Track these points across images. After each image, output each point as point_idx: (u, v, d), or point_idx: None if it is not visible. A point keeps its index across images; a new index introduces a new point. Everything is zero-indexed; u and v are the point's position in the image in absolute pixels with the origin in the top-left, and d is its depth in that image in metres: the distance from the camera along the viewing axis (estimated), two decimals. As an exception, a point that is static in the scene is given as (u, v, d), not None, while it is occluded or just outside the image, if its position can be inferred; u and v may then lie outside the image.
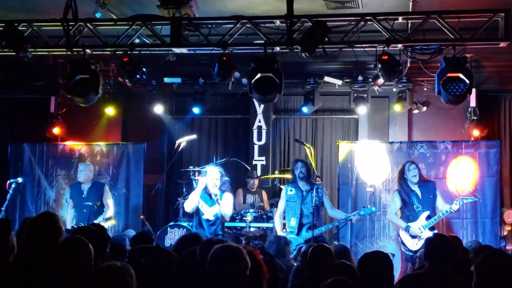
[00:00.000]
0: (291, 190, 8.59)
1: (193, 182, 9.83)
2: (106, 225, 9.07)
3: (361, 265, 4.56)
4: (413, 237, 8.37)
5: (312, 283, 4.78)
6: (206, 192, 8.73)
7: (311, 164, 9.21)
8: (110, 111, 11.61)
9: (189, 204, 8.77)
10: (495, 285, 3.85)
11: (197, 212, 8.79)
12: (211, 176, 8.74)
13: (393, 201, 8.81)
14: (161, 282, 4.29)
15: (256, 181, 10.98)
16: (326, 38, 7.71)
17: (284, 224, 8.78)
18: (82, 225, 8.94)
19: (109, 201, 9.55)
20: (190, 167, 10.36)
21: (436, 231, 8.33)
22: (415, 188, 8.58)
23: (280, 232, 8.48)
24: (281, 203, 8.76)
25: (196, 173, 10.05)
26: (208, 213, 8.66)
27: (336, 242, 8.41)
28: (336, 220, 8.79)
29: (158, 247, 5.79)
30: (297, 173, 8.58)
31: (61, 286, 3.69)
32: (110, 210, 9.44)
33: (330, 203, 8.79)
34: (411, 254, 8.36)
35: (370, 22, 7.94)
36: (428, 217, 8.36)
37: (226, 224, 9.71)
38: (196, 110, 11.30)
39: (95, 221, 8.96)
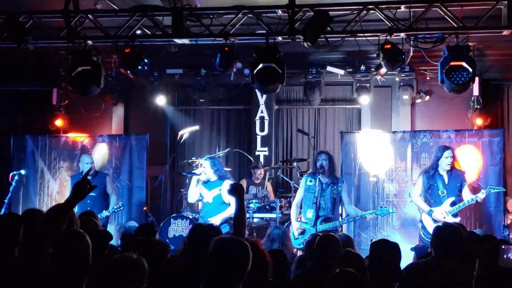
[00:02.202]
0: (310, 181, 8.39)
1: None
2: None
3: (372, 252, 4.54)
4: (436, 222, 8.29)
5: (315, 272, 4.77)
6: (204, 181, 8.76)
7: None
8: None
9: (190, 197, 9.02)
10: (498, 275, 3.84)
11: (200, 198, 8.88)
12: (202, 168, 8.76)
13: (417, 183, 8.61)
14: (156, 274, 4.29)
15: (262, 172, 10.93)
16: (328, 28, 7.69)
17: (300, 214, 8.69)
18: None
19: (111, 188, 9.51)
20: (193, 158, 10.37)
21: (459, 218, 8.26)
22: (444, 174, 8.44)
23: (294, 222, 8.41)
24: (299, 192, 8.58)
25: (199, 164, 10.05)
26: (208, 196, 8.59)
27: (339, 233, 8.36)
28: (352, 216, 8.48)
29: (151, 239, 5.78)
30: (318, 165, 8.32)
31: (59, 278, 3.68)
32: (114, 199, 9.42)
33: (348, 199, 8.54)
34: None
35: (373, 11, 7.90)
36: (453, 203, 8.31)
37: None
38: (198, 101, 11.27)
39: (104, 213, 9.02)
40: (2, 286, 3.92)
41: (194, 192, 8.84)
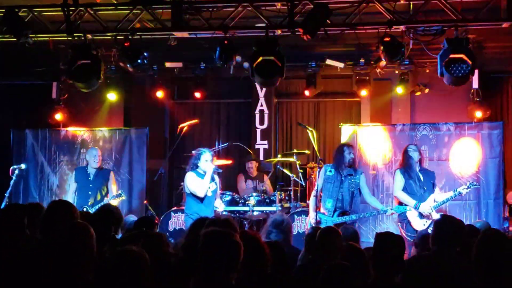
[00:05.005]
0: (330, 171, 8.37)
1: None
2: (116, 202, 9.23)
3: (376, 244, 4.55)
4: (422, 217, 8.30)
5: (316, 265, 4.77)
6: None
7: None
8: (112, 96, 11.61)
9: (203, 189, 8.45)
10: (490, 265, 3.86)
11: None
12: (207, 162, 8.55)
13: (396, 179, 8.60)
14: (154, 266, 4.30)
15: (254, 164, 10.91)
16: (327, 21, 7.67)
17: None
18: (86, 208, 8.97)
19: (114, 187, 9.55)
20: (193, 151, 10.36)
21: (442, 214, 8.28)
22: (418, 171, 8.51)
23: (312, 212, 8.35)
24: (319, 182, 8.45)
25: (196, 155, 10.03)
26: (209, 190, 8.49)
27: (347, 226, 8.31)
28: (373, 208, 8.49)
29: (150, 232, 5.79)
30: (348, 158, 8.28)
31: (62, 271, 3.70)
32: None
33: (368, 190, 8.56)
34: (414, 236, 8.29)
35: (372, 4, 7.88)
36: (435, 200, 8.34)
37: (229, 208, 9.77)
38: (198, 94, 11.28)
39: (105, 201, 9.06)
40: (8, 276, 3.94)
41: (206, 185, 8.45)
